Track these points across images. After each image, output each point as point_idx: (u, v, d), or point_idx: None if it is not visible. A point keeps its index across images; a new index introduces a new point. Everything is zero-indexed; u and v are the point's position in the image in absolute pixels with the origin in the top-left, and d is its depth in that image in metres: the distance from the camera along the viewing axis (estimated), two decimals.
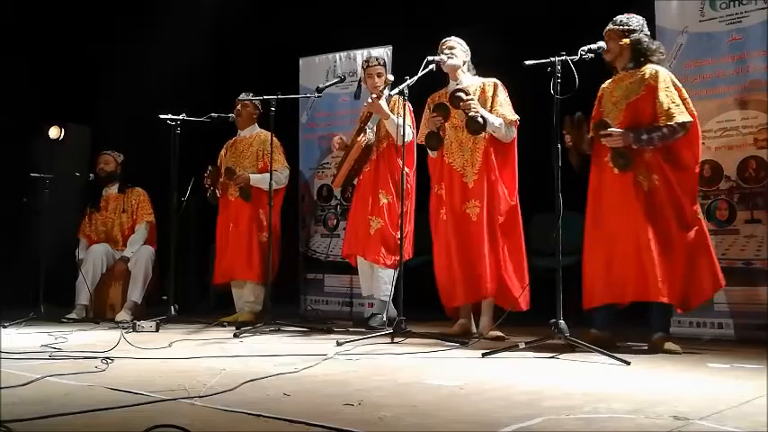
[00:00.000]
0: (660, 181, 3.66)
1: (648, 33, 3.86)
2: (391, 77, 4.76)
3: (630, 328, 3.90)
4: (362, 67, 5.12)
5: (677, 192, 3.66)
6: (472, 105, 4.18)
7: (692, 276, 3.66)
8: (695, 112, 3.71)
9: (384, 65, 5.09)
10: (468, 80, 4.46)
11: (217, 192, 5.55)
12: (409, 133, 4.61)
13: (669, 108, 3.63)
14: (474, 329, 4.38)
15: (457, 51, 4.42)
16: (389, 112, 4.73)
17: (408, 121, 4.58)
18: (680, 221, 3.65)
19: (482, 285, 4.24)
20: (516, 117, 4.32)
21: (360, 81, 5.04)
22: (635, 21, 3.82)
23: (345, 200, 5.74)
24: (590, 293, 3.78)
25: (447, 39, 4.48)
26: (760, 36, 4.24)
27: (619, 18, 3.85)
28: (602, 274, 3.73)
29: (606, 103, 3.88)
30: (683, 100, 3.69)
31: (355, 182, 5.08)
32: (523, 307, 4.22)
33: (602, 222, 3.77)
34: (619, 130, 3.66)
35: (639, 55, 3.78)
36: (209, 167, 5.50)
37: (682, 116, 3.63)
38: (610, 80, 3.93)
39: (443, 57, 4.31)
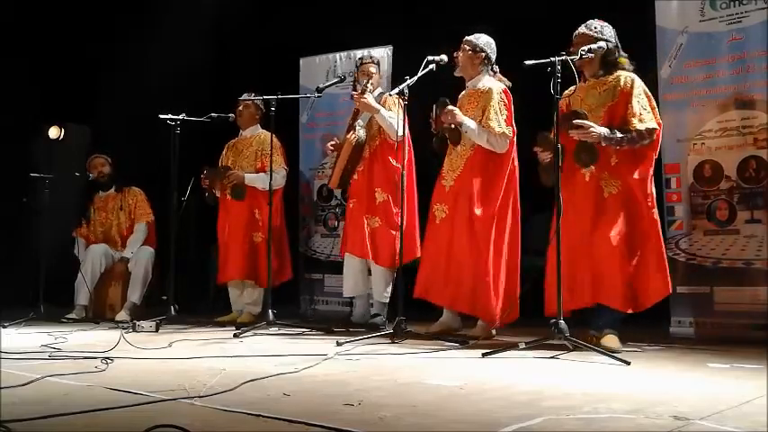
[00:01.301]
0: (621, 187, 3.74)
1: (620, 46, 3.90)
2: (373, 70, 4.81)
3: (630, 329, 3.90)
4: (356, 65, 5.16)
5: (637, 198, 3.74)
6: (449, 118, 4.19)
7: (642, 280, 3.71)
8: (661, 122, 3.81)
9: (378, 64, 5.09)
10: (482, 83, 4.41)
11: (216, 192, 5.55)
12: (402, 127, 4.62)
13: (641, 113, 3.72)
14: (456, 325, 4.36)
15: (462, 58, 4.37)
16: (378, 106, 4.72)
17: (401, 116, 4.61)
18: (635, 227, 3.73)
19: (436, 289, 4.27)
20: (503, 130, 4.19)
21: (354, 83, 5.02)
22: (608, 30, 3.89)
23: (345, 200, 5.72)
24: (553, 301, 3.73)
25: (465, 38, 4.42)
26: (760, 36, 4.24)
27: (593, 23, 3.90)
28: (564, 281, 3.69)
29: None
30: (653, 108, 3.79)
31: (350, 181, 5.04)
32: (499, 324, 4.20)
33: (568, 228, 3.75)
34: (591, 123, 3.71)
35: (609, 63, 3.86)
36: (205, 169, 5.50)
37: (651, 123, 3.73)
38: (574, 88, 3.86)
39: (444, 57, 4.30)
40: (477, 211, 4.20)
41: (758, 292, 4.13)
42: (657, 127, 3.76)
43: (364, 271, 4.92)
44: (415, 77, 4.13)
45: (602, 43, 3.79)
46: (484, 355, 3.40)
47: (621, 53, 3.91)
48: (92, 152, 6.19)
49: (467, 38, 4.43)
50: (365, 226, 4.84)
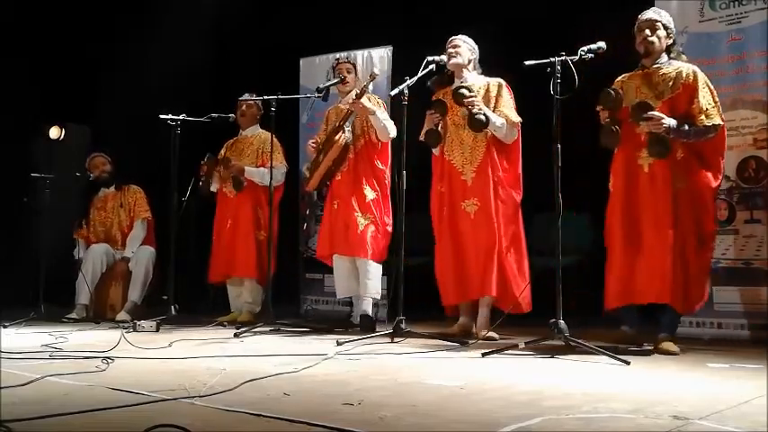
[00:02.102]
0: (692, 184, 3.65)
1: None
2: (377, 72, 4.75)
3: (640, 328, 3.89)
4: (332, 65, 5.16)
5: (705, 197, 3.67)
6: (475, 102, 4.20)
7: (693, 285, 3.67)
8: (724, 119, 3.73)
9: (354, 65, 5.08)
10: (474, 79, 4.44)
11: (210, 181, 5.53)
12: (394, 128, 4.68)
13: (707, 108, 3.64)
14: (472, 327, 4.36)
15: (462, 50, 4.41)
16: (374, 108, 4.71)
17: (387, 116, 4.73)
18: (700, 227, 3.66)
19: (479, 284, 4.24)
20: (519, 119, 4.32)
21: (338, 79, 4.96)
22: (673, 22, 3.86)
23: (323, 199, 5.64)
24: (614, 293, 3.73)
25: (454, 37, 4.46)
26: (760, 36, 4.24)
27: (663, 12, 3.87)
28: (628, 273, 3.69)
29: (632, 98, 3.79)
30: (716, 103, 3.69)
31: (328, 182, 5.00)
32: (525, 308, 4.23)
33: (632, 221, 3.71)
34: (661, 114, 3.61)
35: (671, 53, 3.81)
36: (207, 155, 5.48)
37: (717, 118, 3.65)
38: (628, 75, 3.88)
39: (444, 57, 4.31)
40: (504, 196, 4.28)
41: (758, 292, 4.13)
42: (722, 122, 3.68)
43: (355, 271, 4.88)
44: (415, 78, 4.12)
45: (601, 43, 3.75)
46: (484, 355, 3.40)
47: (679, 45, 3.89)
48: (92, 152, 6.18)
49: (462, 38, 4.45)
50: (356, 225, 4.77)
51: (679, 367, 3.16)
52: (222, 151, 5.73)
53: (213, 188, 5.60)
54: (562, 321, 3.42)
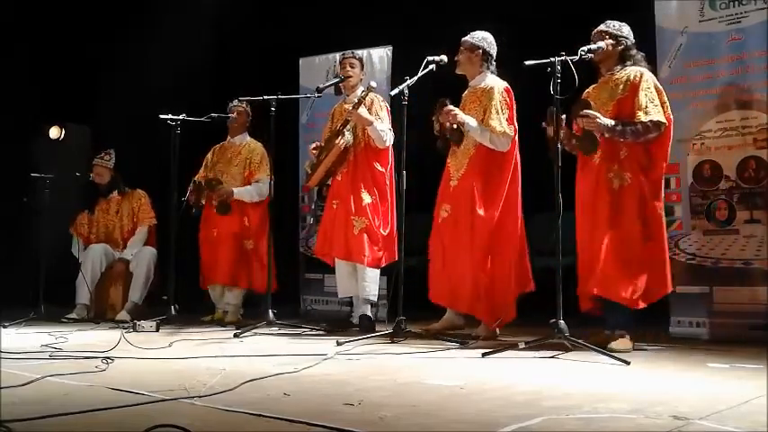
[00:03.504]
0: (631, 180, 3.73)
1: (635, 44, 3.93)
2: (374, 84, 4.70)
3: (641, 329, 3.89)
4: (338, 60, 5.16)
5: (645, 192, 3.73)
6: (449, 119, 4.22)
7: (648, 276, 3.70)
8: (671, 117, 3.78)
9: (360, 60, 5.08)
10: (483, 81, 4.40)
11: (202, 202, 5.49)
12: (390, 137, 4.71)
13: (647, 106, 3.70)
14: (459, 323, 4.35)
15: (462, 58, 4.37)
16: (372, 119, 4.70)
17: (388, 124, 4.75)
18: (643, 222, 3.72)
19: (438, 289, 4.30)
20: (504, 129, 4.18)
21: (338, 78, 4.96)
22: (626, 29, 3.90)
23: (323, 199, 5.62)
24: (581, 296, 3.87)
25: (463, 39, 4.40)
26: (759, 36, 4.23)
27: (612, 22, 3.91)
28: (584, 274, 3.82)
29: (592, 105, 3.87)
30: (662, 103, 3.76)
31: (329, 182, 5.01)
32: (497, 327, 4.21)
33: (579, 222, 3.88)
34: (596, 113, 3.72)
35: (626, 59, 3.86)
36: (193, 182, 5.47)
37: (658, 116, 3.70)
38: (594, 85, 3.97)
39: (444, 57, 4.29)
40: (480, 211, 4.18)
41: (758, 292, 4.12)
42: (665, 121, 3.71)
43: (354, 272, 4.84)
44: (415, 78, 4.12)
45: (601, 44, 3.78)
46: (484, 355, 3.40)
47: (639, 52, 3.91)
48: (92, 152, 6.16)
49: (469, 39, 4.41)
50: (353, 228, 4.74)
51: (679, 367, 3.16)
52: (209, 155, 5.71)
53: (203, 201, 5.54)
54: (562, 321, 3.42)
